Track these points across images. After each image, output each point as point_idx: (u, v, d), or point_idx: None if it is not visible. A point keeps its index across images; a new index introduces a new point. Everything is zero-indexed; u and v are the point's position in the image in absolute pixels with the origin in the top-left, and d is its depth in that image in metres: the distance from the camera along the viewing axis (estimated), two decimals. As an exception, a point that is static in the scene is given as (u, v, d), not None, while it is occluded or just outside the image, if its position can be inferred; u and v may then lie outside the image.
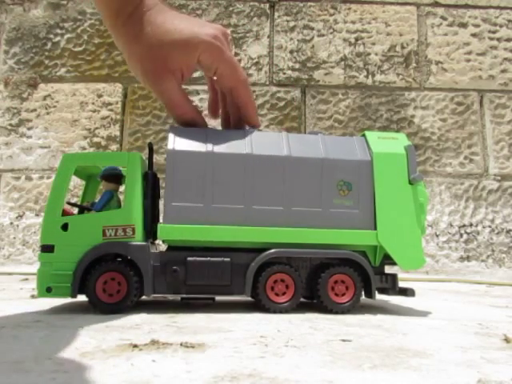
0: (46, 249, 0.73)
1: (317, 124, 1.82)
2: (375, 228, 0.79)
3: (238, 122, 0.85)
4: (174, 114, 0.81)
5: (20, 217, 1.74)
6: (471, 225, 1.76)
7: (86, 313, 0.72)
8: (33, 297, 0.93)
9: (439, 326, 0.68)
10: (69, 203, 0.83)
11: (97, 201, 0.80)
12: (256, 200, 0.77)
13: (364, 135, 0.86)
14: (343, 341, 0.55)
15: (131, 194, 0.76)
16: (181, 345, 0.51)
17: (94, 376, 0.39)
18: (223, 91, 0.85)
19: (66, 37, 1.88)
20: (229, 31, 0.81)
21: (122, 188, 0.82)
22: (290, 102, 1.84)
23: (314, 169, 0.79)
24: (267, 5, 1.90)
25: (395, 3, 1.90)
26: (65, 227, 0.74)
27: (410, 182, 0.81)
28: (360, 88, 1.86)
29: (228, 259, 0.75)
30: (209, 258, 0.75)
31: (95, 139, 1.81)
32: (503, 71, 1.87)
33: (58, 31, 1.89)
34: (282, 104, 1.84)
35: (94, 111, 1.83)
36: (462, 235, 1.74)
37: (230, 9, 1.89)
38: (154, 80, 0.77)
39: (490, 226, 1.75)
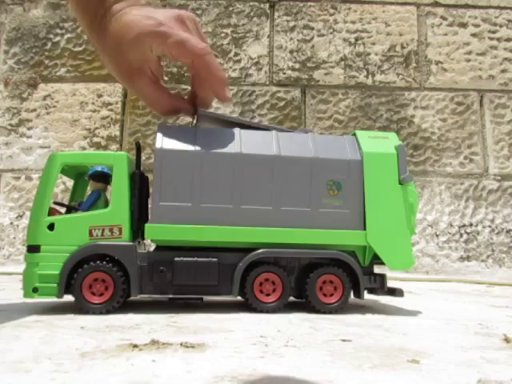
0: (32, 249, 0.73)
1: (317, 124, 1.82)
2: (364, 228, 0.79)
3: (204, 99, 0.82)
4: (154, 110, 0.83)
5: (20, 217, 1.74)
6: (471, 225, 1.76)
7: (85, 313, 0.72)
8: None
9: (439, 326, 0.68)
10: (56, 203, 0.82)
11: (84, 200, 0.80)
12: (245, 199, 0.77)
13: (355, 134, 0.85)
14: (343, 341, 0.55)
15: (118, 193, 0.76)
16: (181, 345, 0.51)
17: (94, 376, 0.39)
18: (191, 71, 0.83)
19: (65, 37, 1.88)
20: (189, 14, 0.79)
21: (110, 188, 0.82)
22: (290, 102, 1.84)
23: (304, 168, 0.78)
24: (267, 5, 1.90)
25: (395, 3, 1.90)
26: (51, 227, 0.73)
27: (400, 182, 0.80)
28: (360, 88, 1.86)
29: (215, 259, 0.75)
30: (196, 258, 0.74)
31: (95, 139, 1.81)
32: (503, 71, 1.87)
33: (58, 31, 1.89)
34: (281, 104, 1.84)
35: (94, 111, 1.83)
36: (462, 235, 1.74)
37: (230, 9, 1.89)
38: (127, 83, 0.80)
39: (490, 226, 1.75)
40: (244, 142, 0.78)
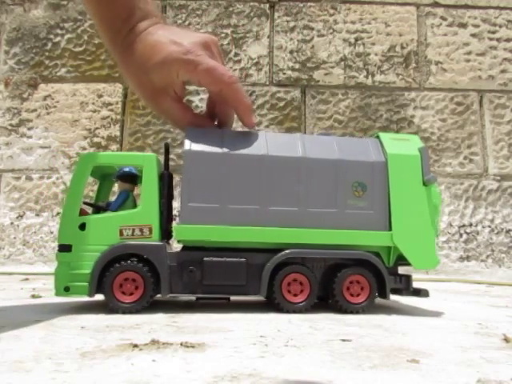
0: (64, 248, 0.74)
1: (317, 124, 1.82)
2: (390, 229, 0.79)
3: (226, 123, 0.86)
4: (178, 127, 0.86)
5: (20, 217, 1.75)
6: (471, 225, 1.76)
7: (86, 313, 0.72)
8: (33, 297, 0.93)
9: (439, 326, 0.68)
10: (85, 203, 0.83)
11: (113, 201, 0.80)
12: (271, 201, 0.77)
13: (378, 136, 0.86)
14: (343, 341, 0.55)
15: (148, 194, 0.76)
16: (181, 345, 0.51)
17: (94, 376, 0.39)
18: (215, 96, 0.85)
19: (66, 37, 1.88)
20: (213, 39, 0.80)
21: (137, 188, 0.83)
22: (289, 102, 1.84)
23: (329, 170, 0.79)
24: (267, 5, 1.90)
25: (395, 3, 1.91)
26: (82, 227, 0.74)
27: (424, 184, 0.81)
28: (360, 88, 1.86)
29: (243, 259, 0.76)
30: (225, 259, 0.75)
31: (95, 139, 1.81)
32: (503, 71, 1.87)
33: (59, 31, 1.89)
34: (281, 104, 1.84)
35: (95, 111, 1.83)
36: (461, 235, 1.74)
37: (230, 9, 1.90)
38: (149, 101, 0.82)
39: (489, 226, 1.75)
40: (270, 144, 0.80)
